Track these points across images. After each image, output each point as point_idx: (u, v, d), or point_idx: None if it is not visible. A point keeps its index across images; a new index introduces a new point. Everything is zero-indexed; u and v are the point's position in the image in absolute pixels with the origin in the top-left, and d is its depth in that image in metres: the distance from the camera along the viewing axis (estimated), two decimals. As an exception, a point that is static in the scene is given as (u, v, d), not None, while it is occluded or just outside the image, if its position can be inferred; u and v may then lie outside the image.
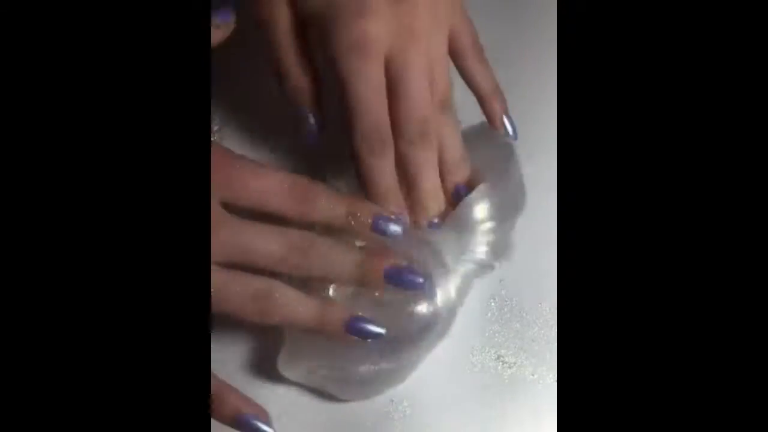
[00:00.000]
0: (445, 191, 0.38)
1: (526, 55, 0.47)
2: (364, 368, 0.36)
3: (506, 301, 0.41)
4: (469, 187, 0.38)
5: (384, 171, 0.36)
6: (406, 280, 0.35)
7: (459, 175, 0.39)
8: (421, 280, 0.35)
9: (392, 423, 0.38)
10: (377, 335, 0.34)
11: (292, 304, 0.34)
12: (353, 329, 0.34)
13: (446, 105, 0.38)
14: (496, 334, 0.40)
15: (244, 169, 0.35)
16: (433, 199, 0.38)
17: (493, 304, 0.41)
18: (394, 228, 0.36)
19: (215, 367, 0.38)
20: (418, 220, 0.38)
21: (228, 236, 0.34)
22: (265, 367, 0.39)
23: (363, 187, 0.37)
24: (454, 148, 0.38)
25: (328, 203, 0.35)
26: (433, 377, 0.39)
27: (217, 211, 0.34)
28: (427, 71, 0.36)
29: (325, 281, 0.36)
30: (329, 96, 0.38)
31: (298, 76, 0.38)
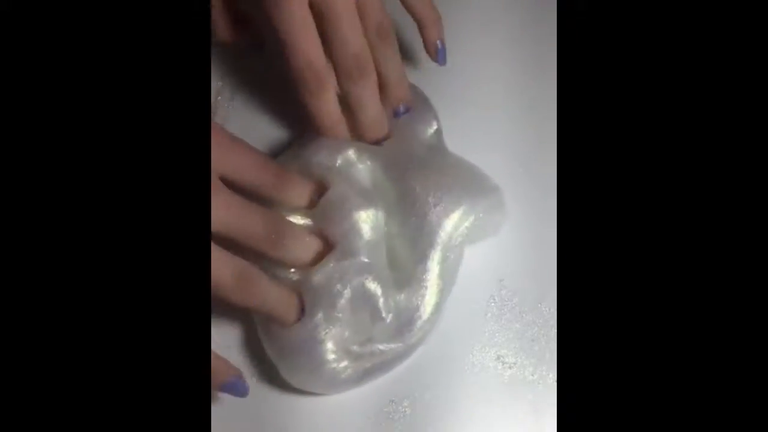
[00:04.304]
0: (387, 110, 0.40)
1: (527, 54, 0.47)
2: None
3: (506, 301, 0.41)
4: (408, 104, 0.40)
5: (325, 108, 0.38)
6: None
7: (398, 94, 0.40)
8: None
9: (392, 423, 0.38)
10: None
11: (266, 289, 0.35)
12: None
13: (382, 30, 0.38)
14: (496, 334, 0.40)
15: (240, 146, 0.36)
16: (376, 127, 0.40)
17: (493, 304, 0.41)
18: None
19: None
20: (366, 141, 0.40)
21: (217, 208, 0.34)
22: (267, 372, 0.39)
23: (310, 122, 0.38)
24: (394, 70, 0.40)
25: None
26: (433, 377, 0.39)
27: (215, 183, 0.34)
28: (352, 5, 0.37)
29: (291, 265, 0.37)
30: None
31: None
